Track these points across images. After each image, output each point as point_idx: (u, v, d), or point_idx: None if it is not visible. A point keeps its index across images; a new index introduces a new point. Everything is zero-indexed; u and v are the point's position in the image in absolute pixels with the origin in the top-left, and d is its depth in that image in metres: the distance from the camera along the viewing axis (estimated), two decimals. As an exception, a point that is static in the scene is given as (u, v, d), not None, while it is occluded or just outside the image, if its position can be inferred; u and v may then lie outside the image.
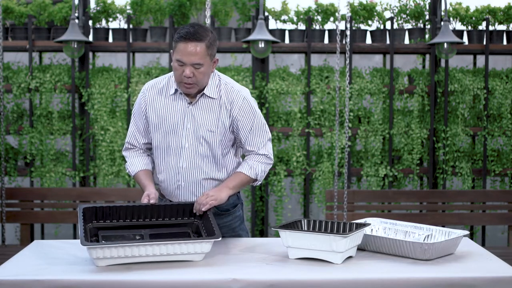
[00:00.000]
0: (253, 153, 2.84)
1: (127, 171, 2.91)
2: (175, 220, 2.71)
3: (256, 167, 2.80)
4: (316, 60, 5.85)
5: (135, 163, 2.88)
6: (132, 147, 2.92)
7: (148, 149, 2.94)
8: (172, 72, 2.83)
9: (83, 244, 2.32)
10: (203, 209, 2.65)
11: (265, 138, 2.84)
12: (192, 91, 2.73)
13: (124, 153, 2.94)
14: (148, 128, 2.87)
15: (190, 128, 2.77)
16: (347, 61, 5.04)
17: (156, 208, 2.70)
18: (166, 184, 2.84)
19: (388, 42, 5.18)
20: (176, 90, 2.80)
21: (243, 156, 2.97)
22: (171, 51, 2.74)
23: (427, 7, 5.19)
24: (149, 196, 2.72)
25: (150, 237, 2.62)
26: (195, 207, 2.69)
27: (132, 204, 2.71)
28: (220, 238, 2.43)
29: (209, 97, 2.77)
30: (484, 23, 5.19)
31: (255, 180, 2.83)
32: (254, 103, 2.84)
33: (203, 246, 2.40)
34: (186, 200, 2.82)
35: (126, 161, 2.95)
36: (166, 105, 2.80)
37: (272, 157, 2.87)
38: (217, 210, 2.84)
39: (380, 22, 5.24)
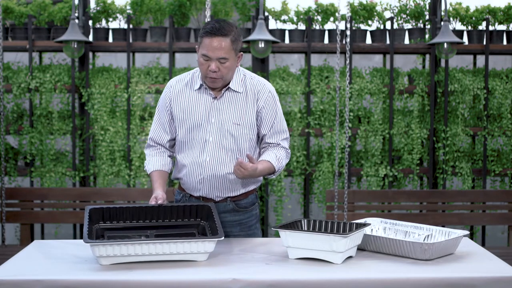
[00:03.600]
0: (277, 146, 2.87)
1: (145, 169, 2.95)
2: (181, 221, 2.71)
3: (282, 160, 2.85)
4: (316, 60, 5.85)
5: (153, 162, 2.90)
6: (154, 144, 2.93)
7: (171, 146, 2.95)
8: (196, 68, 2.88)
9: (86, 241, 2.32)
10: (238, 175, 2.68)
11: (286, 134, 2.91)
12: (217, 85, 2.77)
13: (145, 150, 2.96)
14: (172, 124, 2.89)
15: (215, 123, 2.80)
16: (347, 61, 5.04)
17: (162, 209, 2.70)
18: (188, 177, 2.85)
19: (388, 42, 5.18)
20: (201, 85, 2.83)
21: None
22: (196, 46, 2.78)
23: (427, 7, 5.19)
24: (156, 198, 2.74)
25: (156, 237, 2.62)
26: (238, 164, 2.67)
27: (139, 205, 2.72)
28: (223, 237, 2.42)
29: (234, 91, 2.82)
30: (484, 23, 5.19)
31: (273, 173, 2.85)
32: (278, 99, 2.89)
33: (206, 245, 2.40)
34: (207, 195, 2.84)
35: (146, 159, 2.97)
36: (191, 101, 2.83)
37: (290, 153, 2.93)
38: (235, 207, 2.87)
39: (380, 22, 5.24)
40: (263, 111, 2.82)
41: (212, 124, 2.80)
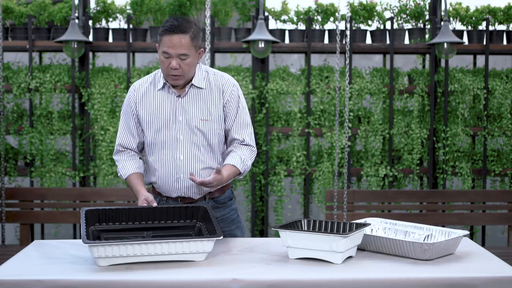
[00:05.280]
0: (242, 144, 2.87)
1: (119, 175, 2.92)
2: (177, 222, 2.71)
3: (246, 161, 2.84)
4: (316, 60, 5.85)
5: (127, 166, 2.90)
6: (123, 149, 2.93)
7: (140, 150, 2.96)
8: (157, 70, 2.90)
9: (85, 242, 2.32)
10: (208, 188, 2.69)
11: (250, 129, 2.90)
12: (179, 82, 2.78)
13: (115, 157, 2.95)
14: (139, 127, 2.89)
15: (182, 121, 2.80)
16: (347, 61, 5.04)
17: (158, 210, 2.70)
18: (164, 179, 2.84)
19: (388, 42, 5.18)
20: (164, 84, 2.83)
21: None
22: (157, 45, 2.78)
23: (427, 7, 5.19)
24: (147, 199, 2.73)
25: (153, 239, 2.62)
26: (196, 180, 2.66)
27: (135, 207, 2.71)
28: (222, 237, 2.42)
29: (197, 87, 2.82)
30: (484, 23, 5.19)
31: (240, 174, 2.84)
32: (242, 94, 2.91)
33: (204, 244, 2.40)
34: (185, 194, 2.83)
35: (117, 165, 2.95)
36: (156, 102, 2.84)
37: (256, 149, 2.92)
38: (215, 204, 2.87)
39: (380, 22, 5.24)
40: (227, 105, 2.84)
41: (179, 122, 2.80)
